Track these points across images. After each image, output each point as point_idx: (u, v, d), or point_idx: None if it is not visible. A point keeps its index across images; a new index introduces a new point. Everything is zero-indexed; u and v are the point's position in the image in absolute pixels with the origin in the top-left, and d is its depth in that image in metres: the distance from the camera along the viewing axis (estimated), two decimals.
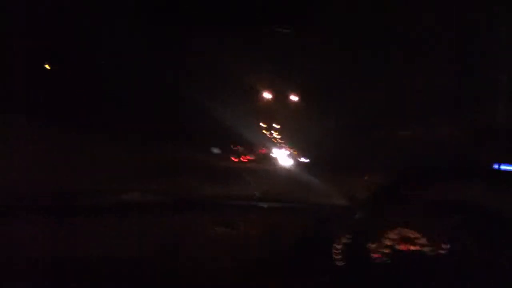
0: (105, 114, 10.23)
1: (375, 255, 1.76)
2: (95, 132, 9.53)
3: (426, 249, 1.76)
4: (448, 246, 1.73)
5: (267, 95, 15.68)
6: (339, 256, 1.76)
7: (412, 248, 1.77)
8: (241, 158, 25.08)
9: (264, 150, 34.61)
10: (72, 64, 9.02)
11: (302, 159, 21.62)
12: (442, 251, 1.73)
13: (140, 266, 1.73)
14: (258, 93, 15.68)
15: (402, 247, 1.78)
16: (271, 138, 38.56)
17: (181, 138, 14.91)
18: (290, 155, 28.24)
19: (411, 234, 1.79)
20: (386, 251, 1.77)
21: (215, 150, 21.85)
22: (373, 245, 1.78)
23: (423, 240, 1.77)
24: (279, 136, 36.31)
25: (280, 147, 36.09)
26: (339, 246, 1.78)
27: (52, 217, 2.01)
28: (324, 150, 15.60)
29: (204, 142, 19.10)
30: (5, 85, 6.83)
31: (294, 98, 14.59)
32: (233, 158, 23.62)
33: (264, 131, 35.20)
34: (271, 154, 32.92)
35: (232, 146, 24.91)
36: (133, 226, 2.04)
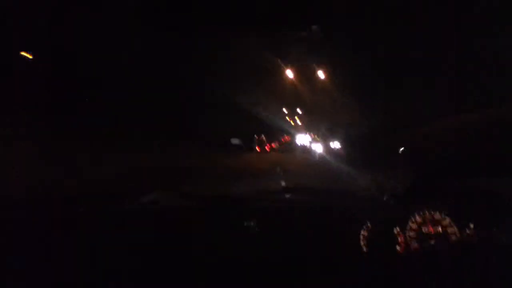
0: (111, 115, 10.04)
1: (404, 243, 1.89)
2: (103, 134, 9.40)
3: (454, 236, 1.86)
4: (476, 233, 1.82)
5: (290, 80, 14.53)
6: (368, 245, 1.92)
7: (441, 235, 1.86)
8: (265, 148, 24.36)
9: (288, 138, 33.46)
10: (73, 64, 8.78)
11: (333, 146, 19.85)
12: (470, 239, 1.82)
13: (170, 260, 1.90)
14: (280, 78, 14.57)
15: (431, 233, 1.88)
16: (296, 125, 37.23)
17: (199, 134, 14.22)
18: (317, 142, 26.86)
19: (443, 221, 1.89)
20: (416, 237, 1.90)
21: (235, 141, 19.97)
22: (403, 232, 1.92)
23: (453, 227, 1.86)
24: (305, 122, 34.91)
25: (306, 134, 34.75)
26: (367, 234, 1.96)
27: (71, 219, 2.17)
28: (354, 139, 14.57)
29: (224, 134, 18.02)
30: (5, 85, 6.82)
31: (320, 82, 13.44)
32: (256, 148, 22.96)
33: (287, 117, 33.90)
34: (296, 142, 31.75)
35: (254, 136, 24.07)
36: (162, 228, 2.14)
